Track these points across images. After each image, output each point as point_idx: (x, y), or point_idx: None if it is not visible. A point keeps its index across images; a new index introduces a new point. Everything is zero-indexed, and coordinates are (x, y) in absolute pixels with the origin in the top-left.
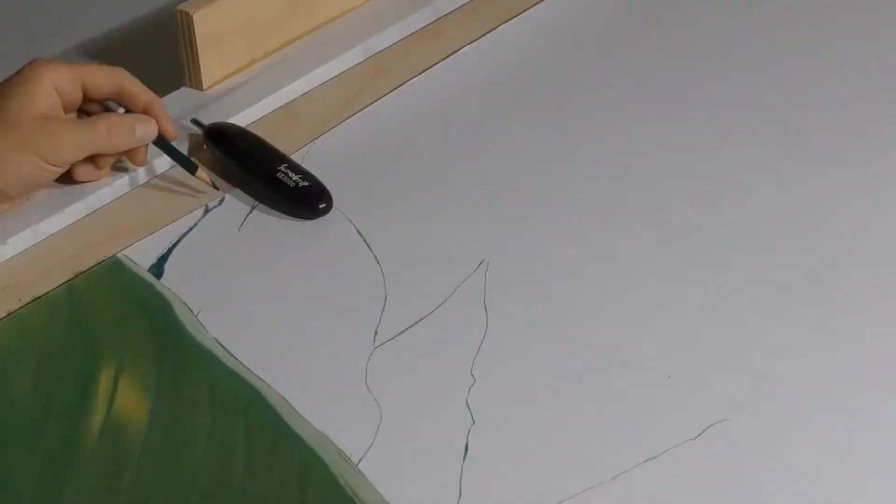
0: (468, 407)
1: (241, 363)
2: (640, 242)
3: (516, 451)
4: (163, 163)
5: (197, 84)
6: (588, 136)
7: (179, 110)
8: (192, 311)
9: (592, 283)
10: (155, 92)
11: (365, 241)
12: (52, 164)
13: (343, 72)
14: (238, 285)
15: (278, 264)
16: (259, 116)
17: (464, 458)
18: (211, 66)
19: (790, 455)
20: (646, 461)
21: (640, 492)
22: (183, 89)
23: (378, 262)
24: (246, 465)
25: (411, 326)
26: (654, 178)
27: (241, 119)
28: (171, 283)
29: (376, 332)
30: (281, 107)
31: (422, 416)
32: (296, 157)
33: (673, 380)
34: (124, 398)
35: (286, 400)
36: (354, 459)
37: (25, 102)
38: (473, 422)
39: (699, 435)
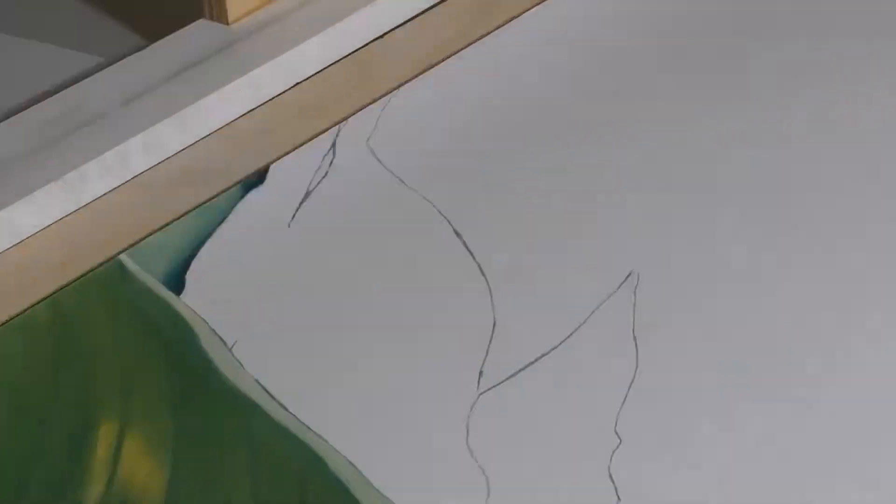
0: (611, 478)
1: (294, 415)
2: None
3: None
4: (178, 139)
5: (220, 16)
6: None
7: (198, 51)
8: (224, 343)
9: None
10: (167, 25)
11: (465, 244)
12: None
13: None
14: (289, 305)
15: (346, 275)
16: (311, 65)
17: None
18: None
19: None
20: None
21: None
22: (202, 22)
23: (483, 274)
24: None
25: (530, 365)
26: None
27: (285, 67)
28: (196, 302)
29: (481, 373)
30: (345, 56)
31: (546, 490)
32: (365, 126)
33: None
34: (132, 463)
35: (356, 467)
36: None
37: None
38: (619, 499)
39: None
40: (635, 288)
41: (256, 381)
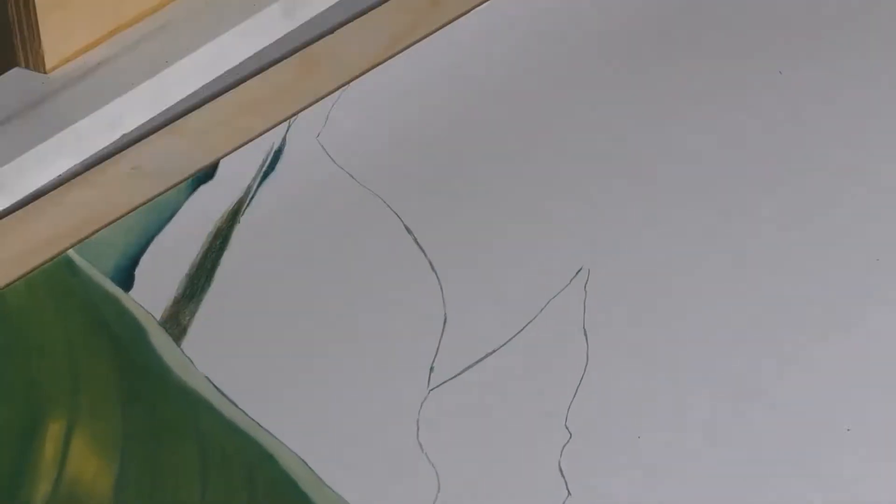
0: (561, 474)
1: (244, 412)
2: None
3: None
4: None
5: (37, 63)
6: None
7: (14, 101)
8: (173, 339)
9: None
10: None
11: (416, 240)
12: None
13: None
14: (238, 301)
15: (295, 270)
16: (137, 115)
17: None
18: (56, 35)
19: None
20: None
21: None
22: (16, 71)
23: (434, 270)
24: None
25: (480, 361)
26: None
27: (109, 117)
28: (145, 298)
29: (432, 369)
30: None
31: (496, 486)
32: (313, 121)
33: (852, 434)
34: (80, 460)
35: (306, 464)
36: None
37: None
38: (569, 493)
39: None
40: (586, 283)
41: (206, 377)
